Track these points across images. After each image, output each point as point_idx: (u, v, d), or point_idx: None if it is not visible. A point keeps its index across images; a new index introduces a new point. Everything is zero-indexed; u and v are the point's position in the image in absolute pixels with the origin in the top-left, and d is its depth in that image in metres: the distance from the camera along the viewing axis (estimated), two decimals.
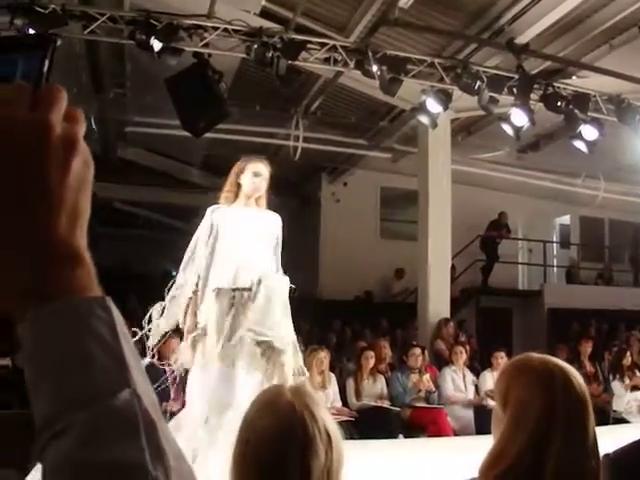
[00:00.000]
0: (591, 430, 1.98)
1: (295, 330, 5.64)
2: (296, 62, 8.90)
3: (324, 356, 9.24)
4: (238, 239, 5.72)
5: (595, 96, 10.77)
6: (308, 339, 11.21)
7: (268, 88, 11.95)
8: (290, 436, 1.75)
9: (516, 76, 10.08)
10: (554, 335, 15.27)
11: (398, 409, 9.67)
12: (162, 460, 0.69)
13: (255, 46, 8.54)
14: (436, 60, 10.00)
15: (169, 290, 5.57)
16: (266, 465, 1.74)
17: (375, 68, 9.21)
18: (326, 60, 9.44)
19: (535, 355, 2.14)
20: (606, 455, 2.28)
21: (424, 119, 10.60)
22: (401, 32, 10.31)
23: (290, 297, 5.68)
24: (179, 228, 19.40)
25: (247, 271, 5.60)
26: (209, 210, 5.82)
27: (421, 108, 10.49)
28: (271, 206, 5.96)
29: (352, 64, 9.36)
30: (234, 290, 5.51)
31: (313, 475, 1.72)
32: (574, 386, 2.01)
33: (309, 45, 9.15)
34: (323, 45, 9.26)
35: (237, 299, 5.49)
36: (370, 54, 9.15)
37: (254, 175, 5.83)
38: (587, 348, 11.95)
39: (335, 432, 1.81)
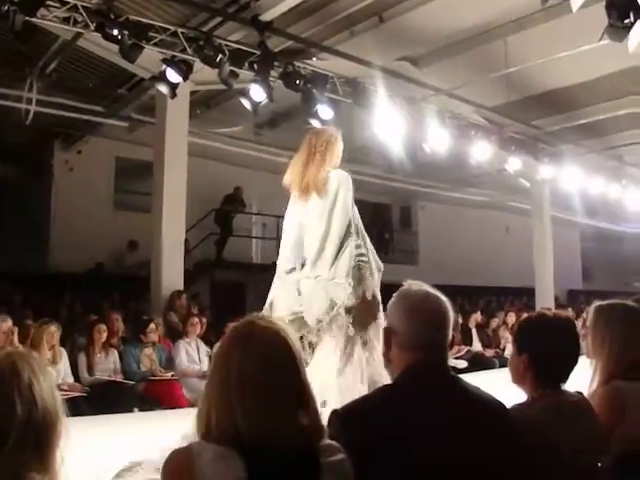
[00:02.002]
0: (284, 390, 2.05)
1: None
2: (34, 19, 8.37)
3: (55, 330, 8.91)
4: None
5: (333, 78, 11.13)
6: (38, 313, 10.72)
7: (1, 46, 11.21)
8: None
9: (258, 52, 10.18)
10: None
11: (132, 383, 9.53)
12: None
13: None
14: (179, 30, 9.86)
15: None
16: None
17: (116, 32, 8.91)
18: (66, 20, 8.94)
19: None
20: (334, 411, 2.41)
21: (163, 89, 10.41)
22: None
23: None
24: None
25: None
26: (349, 176, 5.61)
27: (161, 77, 10.29)
28: None
29: (93, 26, 8.96)
30: None
31: (11, 427, 1.78)
32: (255, 348, 2.06)
33: (49, 2, 8.59)
34: (64, 4, 8.74)
35: None
36: (112, 17, 8.83)
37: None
38: None
39: (43, 394, 1.86)
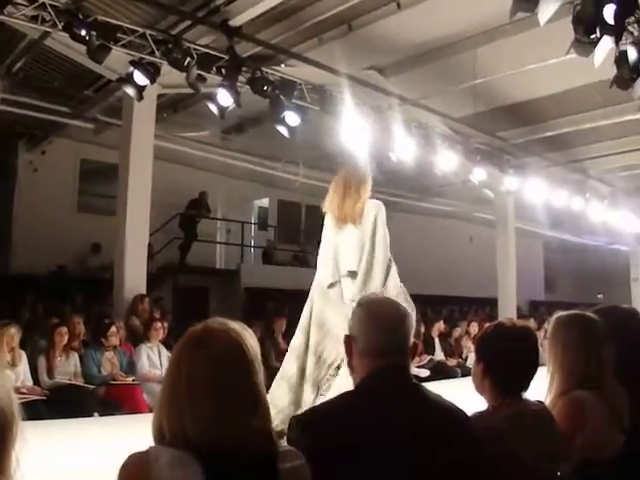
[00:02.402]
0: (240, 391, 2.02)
1: None
2: (1, 16, 8.25)
3: (15, 332, 8.75)
4: None
5: (301, 85, 11.13)
6: None
7: None
8: None
9: (226, 57, 10.15)
10: (250, 313, 15.63)
11: (93, 387, 9.44)
12: None
13: None
14: (148, 32, 9.79)
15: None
16: None
17: (84, 33, 8.83)
18: (34, 18, 8.83)
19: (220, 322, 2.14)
20: (294, 417, 2.46)
21: (130, 91, 10.31)
22: None
23: None
24: None
25: None
26: (382, 204, 6.35)
27: (128, 79, 10.19)
28: None
29: (61, 26, 8.85)
30: None
31: None
32: (205, 351, 2.02)
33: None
34: (32, 2, 8.62)
35: None
36: (80, 17, 8.75)
37: None
38: (281, 325, 12.46)
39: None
